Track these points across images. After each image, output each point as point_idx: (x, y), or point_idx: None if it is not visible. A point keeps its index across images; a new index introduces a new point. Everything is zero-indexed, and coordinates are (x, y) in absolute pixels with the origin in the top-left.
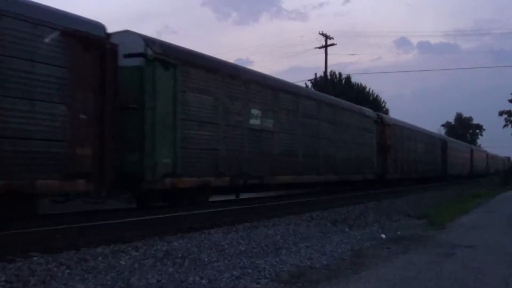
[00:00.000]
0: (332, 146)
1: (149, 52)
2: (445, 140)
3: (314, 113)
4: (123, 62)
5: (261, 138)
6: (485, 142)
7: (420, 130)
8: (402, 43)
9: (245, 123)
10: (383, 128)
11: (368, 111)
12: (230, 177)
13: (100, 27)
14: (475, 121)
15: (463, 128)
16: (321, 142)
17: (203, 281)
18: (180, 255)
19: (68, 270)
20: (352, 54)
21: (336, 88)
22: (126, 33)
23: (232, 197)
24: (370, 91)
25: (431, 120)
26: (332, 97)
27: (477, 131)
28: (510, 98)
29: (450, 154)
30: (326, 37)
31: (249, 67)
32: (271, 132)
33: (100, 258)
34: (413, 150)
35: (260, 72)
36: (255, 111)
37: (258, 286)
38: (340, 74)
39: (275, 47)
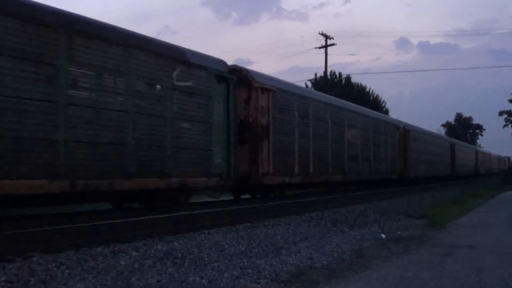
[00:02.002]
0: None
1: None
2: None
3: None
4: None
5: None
6: (485, 142)
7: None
8: (402, 43)
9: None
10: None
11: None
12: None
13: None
14: (475, 121)
15: (463, 128)
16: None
17: (203, 281)
18: (180, 255)
19: (68, 270)
20: (352, 54)
21: (336, 88)
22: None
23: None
24: (370, 91)
25: (431, 120)
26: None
27: (477, 131)
28: (510, 98)
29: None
30: (326, 37)
31: (249, 67)
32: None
33: (100, 258)
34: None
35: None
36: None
37: (258, 286)
38: (340, 74)
39: (275, 47)
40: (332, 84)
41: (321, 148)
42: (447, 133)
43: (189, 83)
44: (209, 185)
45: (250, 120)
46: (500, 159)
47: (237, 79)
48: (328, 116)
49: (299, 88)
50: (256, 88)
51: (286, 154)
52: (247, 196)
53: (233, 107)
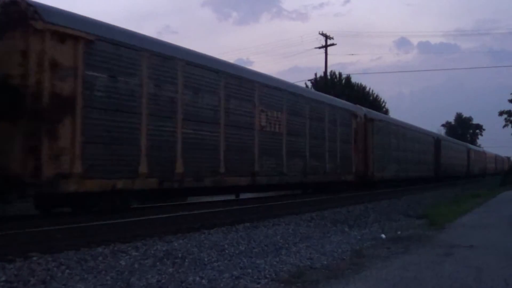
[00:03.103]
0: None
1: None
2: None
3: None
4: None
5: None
6: (485, 142)
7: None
8: (402, 43)
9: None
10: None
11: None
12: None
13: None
14: (475, 121)
15: (463, 128)
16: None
17: (203, 281)
18: (180, 255)
19: (68, 270)
20: (352, 54)
21: (336, 88)
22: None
23: (232, 197)
24: (370, 91)
25: (431, 120)
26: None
27: (477, 131)
28: (510, 98)
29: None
30: (326, 37)
31: (249, 67)
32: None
33: (100, 258)
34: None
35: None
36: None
37: (258, 286)
38: (340, 74)
39: (275, 47)
40: (332, 84)
41: (204, 137)
42: (447, 133)
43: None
44: None
45: (28, 83)
46: (497, 158)
47: (4, 15)
48: (221, 87)
49: (152, 40)
50: (42, 32)
51: (120, 142)
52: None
53: None
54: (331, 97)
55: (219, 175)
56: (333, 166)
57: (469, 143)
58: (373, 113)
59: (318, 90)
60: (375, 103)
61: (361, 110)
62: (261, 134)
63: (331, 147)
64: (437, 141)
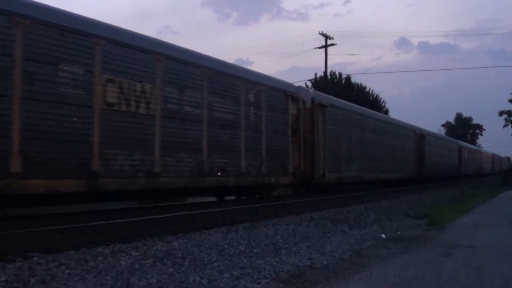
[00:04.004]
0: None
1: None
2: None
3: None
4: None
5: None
6: (485, 142)
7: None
8: (402, 43)
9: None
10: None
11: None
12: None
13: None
14: (475, 121)
15: (463, 128)
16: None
17: (203, 281)
18: (180, 255)
19: (68, 270)
20: (352, 54)
21: (336, 88)
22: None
23: (232, 196)
24: (370, 91)
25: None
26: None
27: (477, 131)
28: (510, 98)
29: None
30: (326, 37)
31: (249, 67)
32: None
33: (100, 258)
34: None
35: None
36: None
37: (258, 286)
38: (340, 74)
39: (275, 47)
40: (332, 84)
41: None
42: (447, 133)
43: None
44: None
45: None
46: (494, 157)
47: None
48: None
49: None
50: None
51: None
52: None
53: None
54: (255, 71)
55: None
56: (254, 164)
57: (469, 143)
58: (325, 98)
59: (318, 90)
60: (375, 103)
61: (307, 93)
62: (107, 115)
63: (251, 138)
64: (420, 136)
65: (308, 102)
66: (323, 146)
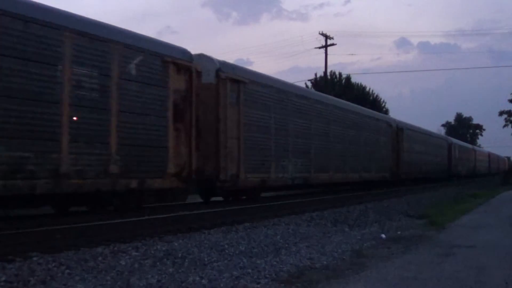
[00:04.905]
0: None
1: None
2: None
3: None
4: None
5: None
6: (485, 142)
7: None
8: (402, 43)
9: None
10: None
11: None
12: None
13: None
14: (475, 121)
15: (463, 128)
16: None
17: (203, 281)
18: (180, 255)
19: (68, 270)
20: (352, 54)
21: (336, 88)
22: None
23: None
24: (370, 91)
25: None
26: None
27: (477, 131)
28: (510, 98)
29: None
30: (326, 37)
31: (249, 67)
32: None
33: (100, 258)
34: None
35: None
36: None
37: (258, 286)
38: (340, 74)
39: (275, 47)
40: (332, 84)
41: None
42: (447, 133)
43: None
44: None
45: None
46: (491, 157)
47: None
48: None
49: None
50: None
51: None
52: None
53: None
54: (104, 23)
55: None
56: (91, 159)
57: (469, 143)
58: (243, 71)
59: (318, 90)
60: (375, 103)
61: (208, 62)
62: None
63: (85, 119)
64: (396, 129)
65: (209, 75)
66: (236, 137)
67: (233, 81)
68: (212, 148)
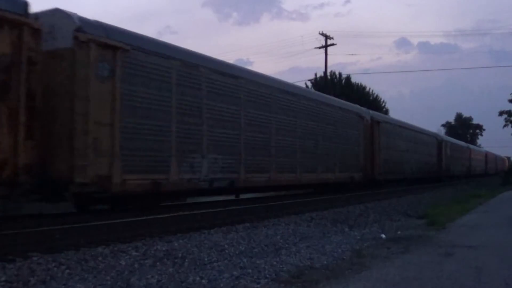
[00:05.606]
0: None
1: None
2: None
3: None
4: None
5: None
6: (485, 142)
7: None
8: (402, 43)
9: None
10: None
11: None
12: None
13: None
14: (475, 121)
15: (463, 128)
16: None
17: (203, 281)
18: (180, 255)
19: (68, 270)
20: (352, 54)
21: (336, 88)
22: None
23: (232, 197)
24: (370, 91)
25: (431, 120)
26: None
27: (477, 131)
28: (510, 98)
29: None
30: (326, 37)
31: (249, 67)
32: None
33: (100, 258)
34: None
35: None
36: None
37: (258, 286)
38: (340, 74)
39: (275, 47)
40: (332, 84)
41: None
42: (447, 133)
43: None
44: None
45: None
46: (489, 156)
47: None
48: None
49: None
50: None
51: None
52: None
53: None
54: None
55: None
56: None
57: (469, 143)
58: (106, 29)
59: (318, 90)
60: (375, 103)
61: (65, 18)
62: None
63: None
64: (371, 123)
65: (64, 37)
66: (108, 123)
67: (105, 46)
68: (64, 137)
